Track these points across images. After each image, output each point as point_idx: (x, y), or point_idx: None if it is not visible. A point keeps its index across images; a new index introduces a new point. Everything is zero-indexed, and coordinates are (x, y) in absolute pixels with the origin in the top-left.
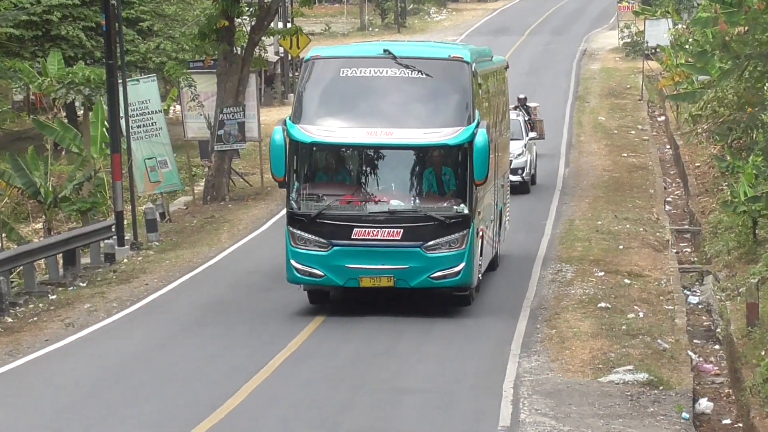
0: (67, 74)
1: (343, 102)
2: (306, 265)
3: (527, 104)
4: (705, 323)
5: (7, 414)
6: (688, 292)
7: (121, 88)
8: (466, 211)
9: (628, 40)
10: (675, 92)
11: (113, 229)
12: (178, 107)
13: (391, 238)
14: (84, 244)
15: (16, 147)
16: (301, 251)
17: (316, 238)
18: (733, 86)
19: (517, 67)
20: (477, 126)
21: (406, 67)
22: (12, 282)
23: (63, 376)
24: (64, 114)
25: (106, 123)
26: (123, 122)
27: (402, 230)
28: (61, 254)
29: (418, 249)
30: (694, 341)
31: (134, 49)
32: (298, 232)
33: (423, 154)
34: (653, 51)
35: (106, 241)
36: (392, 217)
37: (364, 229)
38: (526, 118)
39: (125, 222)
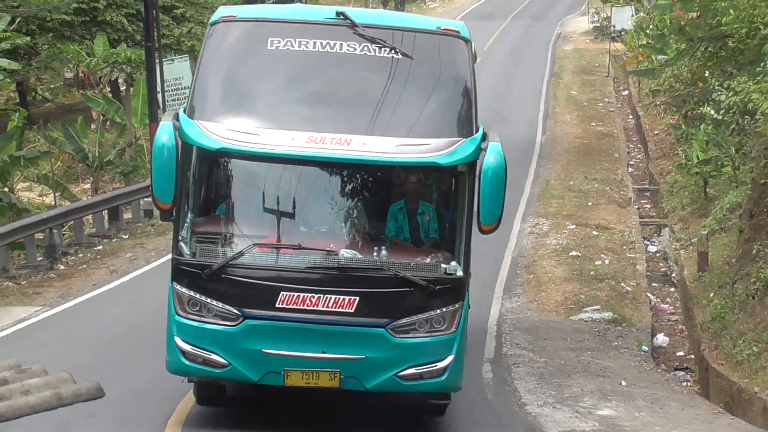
0: (112, 55)
1: (271, 90)
2: (200, 346)
3: None
4: (662, 269)
5: (60, 349)
6: (648, 242)
7: (158, 67)
8: (459, 272)
9: (597, 25)
10: (637, 69)
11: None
12: None
13: (340, 310)
14: (126, 202)
15: (67, 118)
16: (192, 324)
17: (219, 305)
18: (687, 64)
19: (501, 48)
20: (483, 138)
21: (371, 41)
22: (64, 234)
23: (108, 316)
24: (108, 89)
25: (145, 97)
26: (159, 96)
27: (358, 298)
28: (106, 210)
29: (382, 330)
30: (653, 285)
31: (169, 33)
32: (190, 293)
33: (397, 178)
34: (619, 34)
35: (145, 199)
36: (343, 276)
37: (296, 294)
38: None
39: None
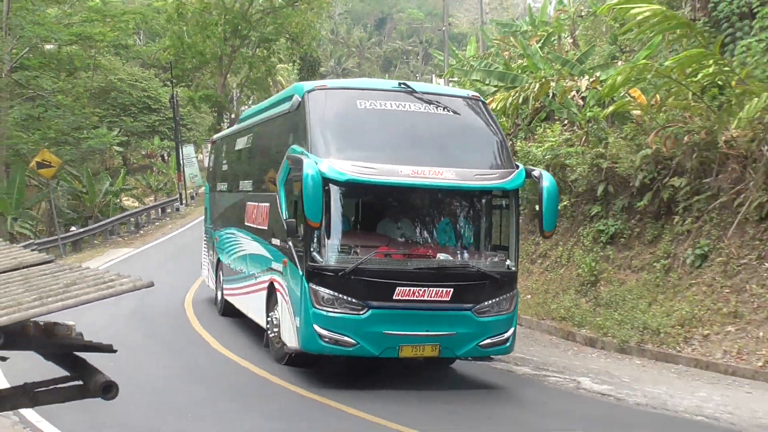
0: (161, 143)
1: (372, 137)
2: (334, 331)
3: None
4: None
5: (141, 267)
6: None
7: (179, 149)
8: (514, 267)
9: None
10: None
11: (178, 199)
12: (201, 155)
13: (440, 299)
14: (168, 204)
15: (143, 171)
16: (327, 314)
17: (349, 299)
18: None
19: None
20: (526, 170)
21: (429, 102)
22: (143, 219)
23: (163, 250)
24: (160, 158)
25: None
26: (181, 161)
27: (452, 290)
28: (161, 208)
29: (469, 312)
30: None
31: (185, 134)
32: (324, 290)
33: (476, 199)
34: None
35: (175, 203)
36: (441, 273)
37: (408, 289)
38: None
39: (183, 196)
